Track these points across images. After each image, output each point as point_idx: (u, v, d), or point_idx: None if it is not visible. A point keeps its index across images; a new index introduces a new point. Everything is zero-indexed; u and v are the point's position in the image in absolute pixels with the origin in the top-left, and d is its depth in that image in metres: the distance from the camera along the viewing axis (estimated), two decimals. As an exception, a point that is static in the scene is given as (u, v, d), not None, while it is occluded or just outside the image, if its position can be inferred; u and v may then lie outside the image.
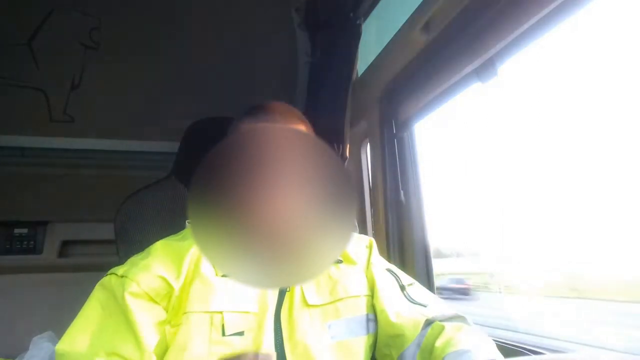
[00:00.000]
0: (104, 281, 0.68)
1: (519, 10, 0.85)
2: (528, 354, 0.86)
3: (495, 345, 0.67)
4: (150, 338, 0.62)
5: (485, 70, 0.97)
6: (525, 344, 0.88)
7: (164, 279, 0.65)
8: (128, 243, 1.02)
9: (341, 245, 0.40)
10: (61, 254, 1.64)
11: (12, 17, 1.48)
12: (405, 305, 0.76)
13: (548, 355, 0.83)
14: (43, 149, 1.60)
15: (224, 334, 0.64)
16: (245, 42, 1.66)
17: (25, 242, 1.61)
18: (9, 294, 1.58)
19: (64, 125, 1.58)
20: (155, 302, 0.64)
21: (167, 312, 0.65)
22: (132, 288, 0.63)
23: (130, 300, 0.62)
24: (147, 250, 0.72)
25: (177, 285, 0.65)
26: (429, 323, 0.73)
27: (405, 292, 0.80)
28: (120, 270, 0.67)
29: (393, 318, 0.74)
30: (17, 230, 1.61)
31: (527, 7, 0.83)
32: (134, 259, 0.71)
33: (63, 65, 1.56)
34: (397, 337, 0.73)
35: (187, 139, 1.14)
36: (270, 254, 0.39)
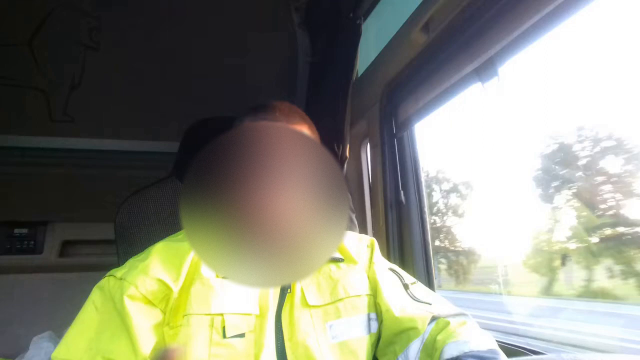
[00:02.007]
0: (101, 283, 0.67)
1: (519, 10, 0.85)
2: (528, 354, 0.86)
3: (495, 341, 0.68)
4: (146, 342, 0.61)
5: (485, 70, 0.97)
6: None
7: (162, 282, 0.65)
8: (128, 243, 1.02)
9: (335, 242, 0.40)
10: (61, 254, 1.65)
11: (12, 17, 1.48)
12: (410, 303, 0.77)
13: (548, 355, 0.82)
14: (43, 149, 1.60)
15: (224, 336, 0.64)
16: (245, 43, 1.66)
17: (25, 242, 1.62)
18: (9, 294, 1.59)
19: (64, 125, 1.59)
20: (154, 305, 0.64)
21: (165, 314, 0.65)
22: (130, 291, 0.63)
23: (128, 304, 0.62)
24: (146, 251, 0.71)
25: (175, 288, 0.65)
26: (434, 319, 0.73)
27: (408, 290, 0.80)
28: (119, 272, 0.67)
29: (399, 315, 0.74)
30: (17, 230, 1.61)
31: (527, 7, 0.83)
32: (132, 260, 0.70)
33: (63, 65, 1.56)
34: (403, 333, 0.73)
35: (187, 139, 1.14)
36: (264, 250, 0.39)
